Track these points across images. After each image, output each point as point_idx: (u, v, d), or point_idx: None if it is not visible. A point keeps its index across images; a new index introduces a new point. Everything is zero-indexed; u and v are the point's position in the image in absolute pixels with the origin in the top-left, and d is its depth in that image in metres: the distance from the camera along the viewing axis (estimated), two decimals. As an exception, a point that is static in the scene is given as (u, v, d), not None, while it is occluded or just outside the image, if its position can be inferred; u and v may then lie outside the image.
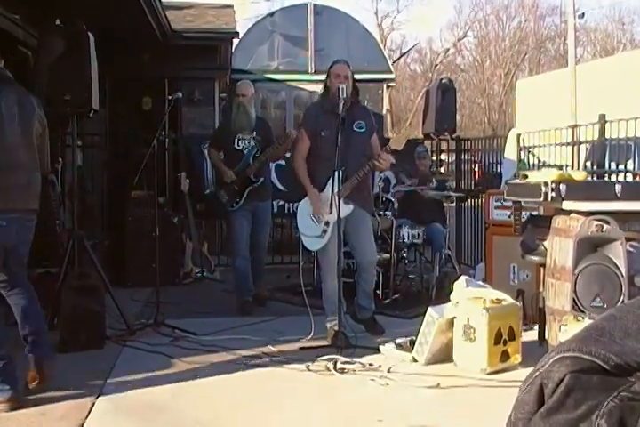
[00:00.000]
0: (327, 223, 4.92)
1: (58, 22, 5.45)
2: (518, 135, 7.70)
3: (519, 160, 7.57)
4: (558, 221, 4.28)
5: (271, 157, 6.28)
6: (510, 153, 7.78)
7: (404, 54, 37.88)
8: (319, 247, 5.03)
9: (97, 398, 3.84)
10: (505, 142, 8.02)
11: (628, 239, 3.89)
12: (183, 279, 7.64)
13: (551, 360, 1.02)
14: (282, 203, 8.52)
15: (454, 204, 8.30)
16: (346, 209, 4.88)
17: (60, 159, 7.25)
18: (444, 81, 8.70)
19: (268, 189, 6.45)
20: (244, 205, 6.14)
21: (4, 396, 3.62)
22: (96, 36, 5.22)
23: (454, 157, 9.19)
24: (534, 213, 5.26)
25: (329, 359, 4.40)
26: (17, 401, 3.64)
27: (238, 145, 6.18)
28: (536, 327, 4.91)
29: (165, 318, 5.44)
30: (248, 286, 6.20)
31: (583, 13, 23.85)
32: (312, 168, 5.10)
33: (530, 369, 0.91)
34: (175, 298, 6.35)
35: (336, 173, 4.71)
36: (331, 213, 4.81)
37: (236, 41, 10.07)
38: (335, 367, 4.28)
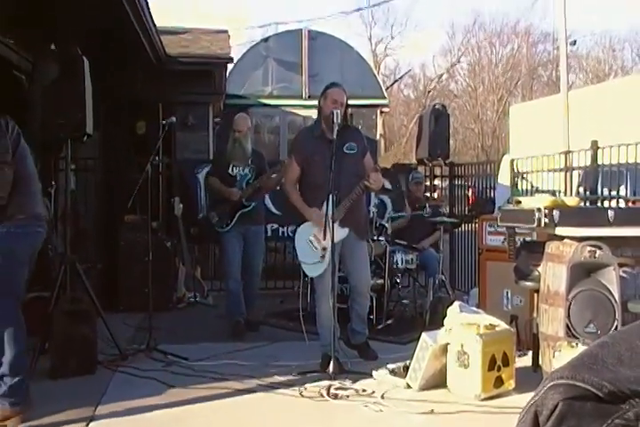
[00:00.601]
0: (325, 248, 4.90)
1: (52, 47, 5.48)
2: (512, 161, 7.74)
3: (512, 186, 7.60)
4: (551, 247, 4.29)
5: (265, 186, 6.33)
6: (504, 178, 7.82)
7: (398, 80, 38.18)
8: (320, 273, 4.98)
9: (88, 423, 3.80)
10: (498, 168, 8.06)
11: (620, 265, 3.90)
12: (176, 304, 7.60)
13: (545, 388, 1.02)
14: (275, 227, 8.52)
15: (447, 232, 8.30)
16: (341, 232, 4.88)
17: (54, 183, 7.25)
18: (437, 107, 8.76)
19: (261, 214, 6.49)
20: (235, 227, 6.18)
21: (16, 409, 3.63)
22: (91, 60, 5.24)
23: (448, 183, 9.22)
24: (528, 238, 5.27)
25: (322, 385, 4.38)
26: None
27: (232, 171, 6.30)
28: (530, 353, 4.90)
29: (158, 343, 5.40)
30: (240, 309, 6.18)
31: (575, 40, 24.13)
32: (305, 194, 5.09)
33: (524, 395, 0.92)
34: (168, 323, 6.32)
35: (330, 197, 4.71)
36: (326, 238, 4.80)
37: (230, 66, 10.14)
38: (328, 393, 4.25)
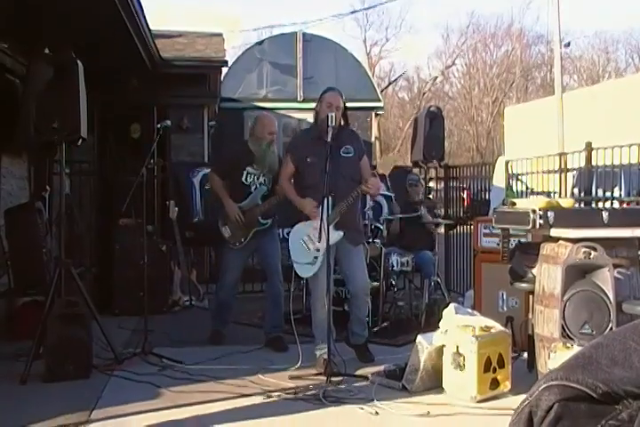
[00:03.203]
0: (318, 250, 4.90)
1: (47, 51, 5.48)
2: (506, 162, 7.75)
3: (507, 187, 7.61)
4: (546, 248, 4.29)
5: (281, 201, 5.64)
6: (498, 180, 7.83)
7: (393, 82, 38.24)
8: (311, 274, 5.00)
9: (83, 428, 3.79)
10: (493, 170, 8.07)
11: (615, 266, 3.90)
12: (171, 308, 7.59)
13: (539, 389, 1.02)
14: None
15: (442, 231, 8.31)
16: (336, 235, 4.88)
17: (48, 187, 7.25)
18: (432, 109, 8.77)
19: (275, 229, 6.01)
20: (247, 245, 5.79)
21: None
22: (85, 64, 5.24)
23: (443, 185, 9.23)
24: (523, 240, 5.27)
25: (318, 388, 4.37)
26: None
27: (246, 180, 5.76)
28: (525, 354, 4.90)
29: (153, 346, 5.39)
30: (223, 317, 6.07)
31: (569, 42, 24.22)
32: (300, 194, 5.11)
33: (520, 396, 0.91)
34: (163, 327, 6.31)
35: (325, 199, 4.72)
36: (321, 240, 4.80)
37: (225, 69, 10.15)
38: (324, 396, 4.25)
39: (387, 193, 8.20)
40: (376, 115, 11.67)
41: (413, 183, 7.90)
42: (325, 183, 4.67)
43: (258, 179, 5.77)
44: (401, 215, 7.24)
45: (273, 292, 5.87)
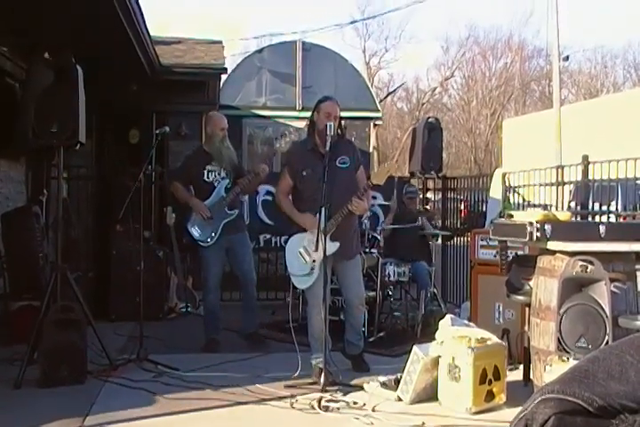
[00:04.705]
0: (315, 261, 4.90)
1: (46, 55, 5.49)
2: (504, 175, 7.77)
3: (504, 199, 7.63)
4: (543, 261, 4.30)
5: (245, 190, 6.10)
6: (496, 192, 7.84)
7: (392, 93, 38.30)
8: (308, 286, 4.99)
9: (76, 434, 3.78)
10: (490, 181, 8.09)
11: (611, 280, 3.91)
12: (167, 314, 7.58)
13: (535, 402, 1.02)
14: (268, 237, 8.51)
15: (439, 241, 8.32)
16: (332, 246, 4.88)
17: (45, 191, 7.25)
18: (430, 120, 8.79)
19: (243, 221, 6.35)
20: (219, 240, 5.93)
21: None
22: (84, 68, 5.25)
23: (440, 196, 9.24)
24: (519, 252, 5.28)
25: (313, 397, 4.37)
26: None
27: (208, 177, 5.99)
28: (521, 367, 4.90)
29: (148, 353, 5.38)
30: (216, 324, 6.08)
31: (568, 56, 24.27)
32: (297, 207, 5.09)
33: (515, 409, 0.92)
34: (159, 333, 6.30)
35: (322, 210, 4.72)
36: (317, 250, 4.80)
37: (224, 76, 10.16)
38: (319, 405, 4.24)
39: (383, 203, 8.21)
40: (374, 125, 11.69)
41: (412, 196, 7.90)
42: (323, 193, 4.68)
43: (219, 174, 6.00)
44: (398, 226, 7.24)
45: (246, 297, 6.17)
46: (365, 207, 5.17)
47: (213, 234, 5.92)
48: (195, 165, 6.06)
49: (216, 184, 5.98)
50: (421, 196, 8.98)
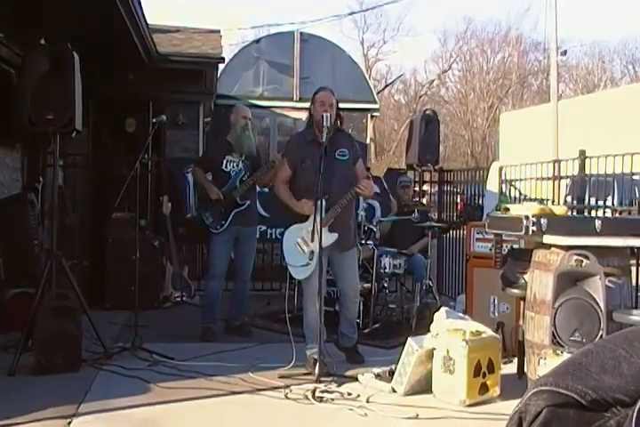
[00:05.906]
0: (312, 252, 4.90)
1: (42, 41, 5.46)
2: (500, 168, 7.77)
3: (501, 193, 7.63)
4: (538, 255, 4.31)
5: (259, 182, 6.21)
6: (492, 186, 7.84)
7: (389, 85, 38.25)
8: (305, 276, 4.99)
9: (71, 421, 3.78)
10: (487, 175, 8.09)
11: (606, 274, 3.91)
12: (162, 303, 7.58)
13: (529, 394, 1.03)
14: (264, 228, 8.50)
15: (435, 238, 8.32)
16: (330, 237, 4.89)
17: (41, 179, 7.23)
18: (427, 112, 8.79)
19: (254, 215, 6.38)
20: (229, 228, 6.04)
21: None
22: (81, 56, 5.22)
23: (437, 188, 9.24)
24: (515, 246, 5.29)
25: (307, 388, 4.38)
26: None
27: (226, 167, 6.12)
28: (515, 360, 4.92)
29: (143, 342, 5.39)
30: (213, 313, 6.09)
31: (565, 50, 24.28)
32: (296, 198, 5.10)
33: (509, 402, 0.93)
34: (154, 322, 6.29)
35: (319, 201, 4.72)
36: (314, 241, 4.80)
37: (221, 66, 10.13)
38: (314, 396, 4.25)
39: (378, 192, 8.21)
40: (372, 116, 11.66)
41: (405, 185, 7.92)
42: (319, 185, 4.68)
43: (237, 165, 6.15)
44: (394, 217, 7.25)
45: (238, 290, 6.26)
46: (373, 189, 5.24)
47: (223, 222, 6.05)
48: (216, 153, 6.23)
49: (232, 174, 6.12)
50: (417, 188, 8.98)
